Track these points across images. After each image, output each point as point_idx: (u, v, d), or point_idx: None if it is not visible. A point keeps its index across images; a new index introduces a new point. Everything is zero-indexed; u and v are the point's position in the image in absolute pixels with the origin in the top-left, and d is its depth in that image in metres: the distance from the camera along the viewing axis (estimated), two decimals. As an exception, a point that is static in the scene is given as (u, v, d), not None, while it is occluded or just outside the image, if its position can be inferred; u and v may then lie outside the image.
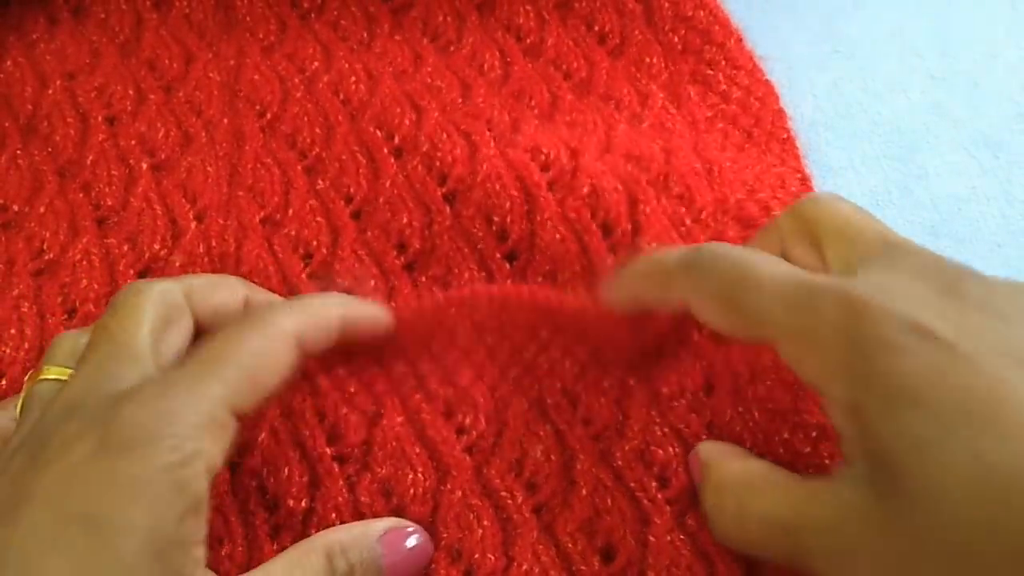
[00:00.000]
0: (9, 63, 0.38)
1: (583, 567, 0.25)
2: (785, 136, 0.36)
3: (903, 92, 0.39)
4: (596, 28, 0.39)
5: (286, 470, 0.26)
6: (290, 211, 0.33)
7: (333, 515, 0.26)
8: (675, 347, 0.28)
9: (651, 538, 0.25)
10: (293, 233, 0.32)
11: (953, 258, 0.22)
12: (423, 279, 0.31)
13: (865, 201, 0.34)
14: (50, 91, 0.37)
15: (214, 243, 0.32)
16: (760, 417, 0.27)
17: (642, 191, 0.31)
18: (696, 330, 0.29)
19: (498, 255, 0.31)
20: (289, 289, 0.31)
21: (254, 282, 0.31)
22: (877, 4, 0.42)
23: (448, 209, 0.32)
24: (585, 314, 0.28)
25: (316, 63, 0.38)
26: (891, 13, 0.42)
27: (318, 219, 0.33)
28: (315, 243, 0.32)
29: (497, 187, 0.31)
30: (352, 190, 0.33)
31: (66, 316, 0.31)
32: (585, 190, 0.31)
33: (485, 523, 0.25)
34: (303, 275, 0.31)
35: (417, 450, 0.27)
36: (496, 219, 0.31)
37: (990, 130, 0.38)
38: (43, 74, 0.38)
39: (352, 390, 0.28)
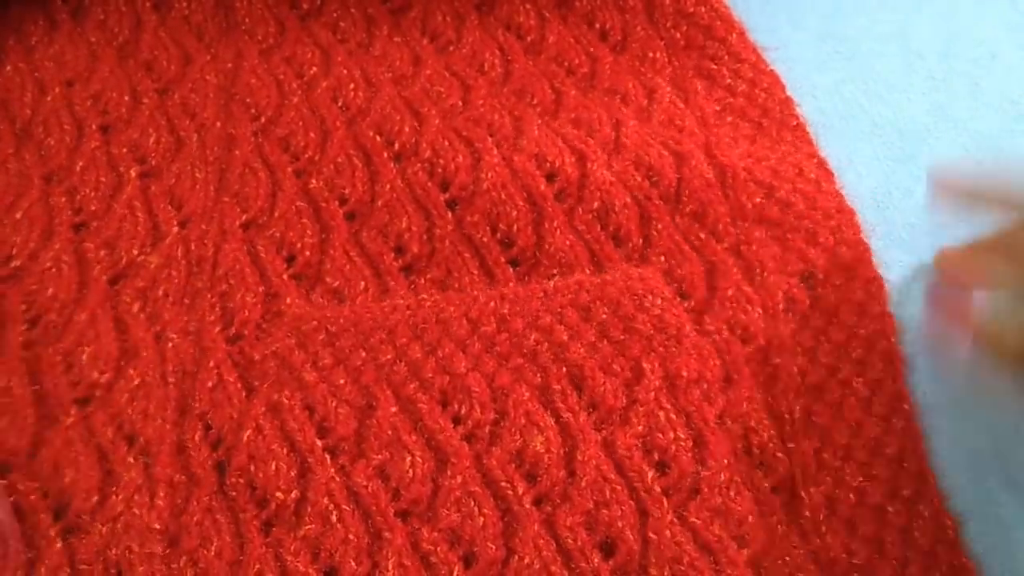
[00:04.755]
0: (9, 68, 0.38)
1: (583, 564, 0.25)
2: (795, 123, 0.36)
3: (904, 93, 0.39)
4: (597, 25, 0.39)
5: (273, 464, 0.26)
6: (276, 213, 0.33)
7: (325, 500, 0.26)
8: (696, 337, 0.29)
9: (651, 534, 0.25)
10: (278, 235, 0.32)
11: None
12: (421, 282, 0.31)
13: (866, 202, 0.34)
14: (48, 98, 0.37)
15: (193, 247, 0.32)
16: (769, 421, 0.27)
17: (655, 208, 0.31)
18: (719, 324, 0.29)
19: (503, 260, 0.31)
20: (268, 289, 0.31)
21: (230, 284, 0.31)
22: (877, 5, 0.42)
23: (450, 215, 0.32)
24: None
25: (315, 68, 0.38)
26: (891, 14, 0.42)
27: (304, 220, 0.32)
28: (300, 244, 0.32)
29: (503, 196, 0.32)
30: (347, 192, 0.33)
31: (27, 326, 0.30)
32: (596, 204, 0.31)
33: (486, 511, 0.25)
34: (285, 276, 0.31)
35: (413, 438, 0.27)
36: (502, 227, 0.31)
37: (991, 131, 0.38)
38: (42, 80, 0.38)
39: (340, 381, 0.28)
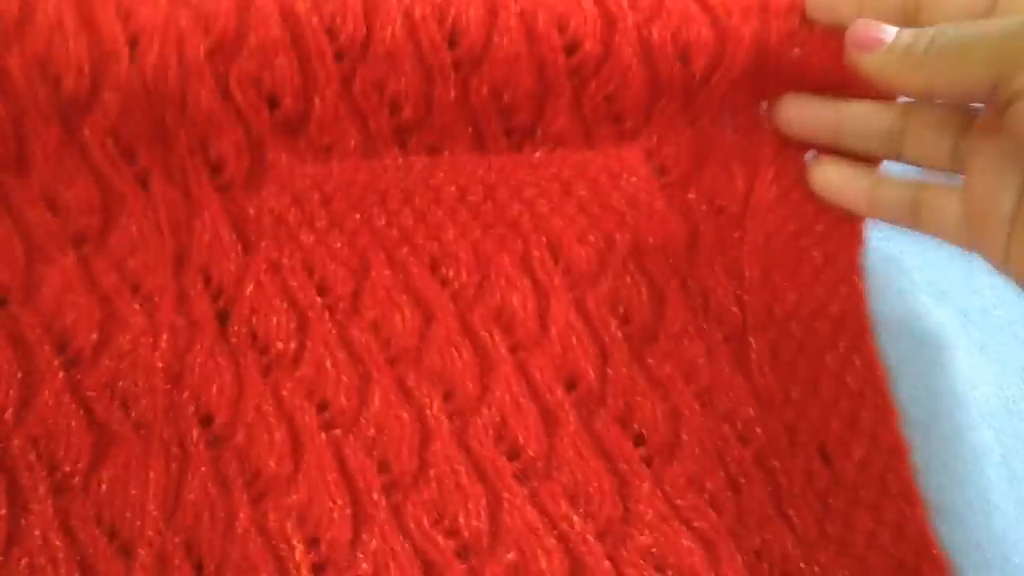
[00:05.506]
0: None
1: (548, 395, 0.28)
2: None
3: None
4: None
5: (274, 319, 0.29)
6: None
7: (322, 349, 0.28)
8: (665, 211, 0.31)
9: (609, 371, 0.29)
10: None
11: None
12: (413, 142, 0.30)
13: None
14: None
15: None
16: (727, 280, 0.30)
17: (671, 92, 0.30)
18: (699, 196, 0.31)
19: (498, 131, 0.30)
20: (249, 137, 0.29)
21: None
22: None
23: (454, 76, 0.29)
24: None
25: None
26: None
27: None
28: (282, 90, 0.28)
29: (514, 68, 0.28)
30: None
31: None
32: (611, 88, 0.29)
33: (465, 356, 0.29)
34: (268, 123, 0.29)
35: (404, 297, 0.29)
36: (506, 98, 0.29)
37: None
38: None
39: (337, 245, 0.30)
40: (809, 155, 0.31)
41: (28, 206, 0.29)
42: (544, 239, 0.30)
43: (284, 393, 0.28)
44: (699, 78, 0.29)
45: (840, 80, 0.30)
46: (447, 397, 0.28)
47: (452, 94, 0.29)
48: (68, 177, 0.28)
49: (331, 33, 0.28)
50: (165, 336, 0.28)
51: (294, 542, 0.26)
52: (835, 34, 0.28)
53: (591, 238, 0.30)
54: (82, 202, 0.29)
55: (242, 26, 0.27)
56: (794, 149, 0.31)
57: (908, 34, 0.25)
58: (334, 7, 0.28)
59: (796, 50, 0.29)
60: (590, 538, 0.26)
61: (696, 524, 0.27)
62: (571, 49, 0.28)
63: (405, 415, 0.28)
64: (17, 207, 0.29)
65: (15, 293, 0.28)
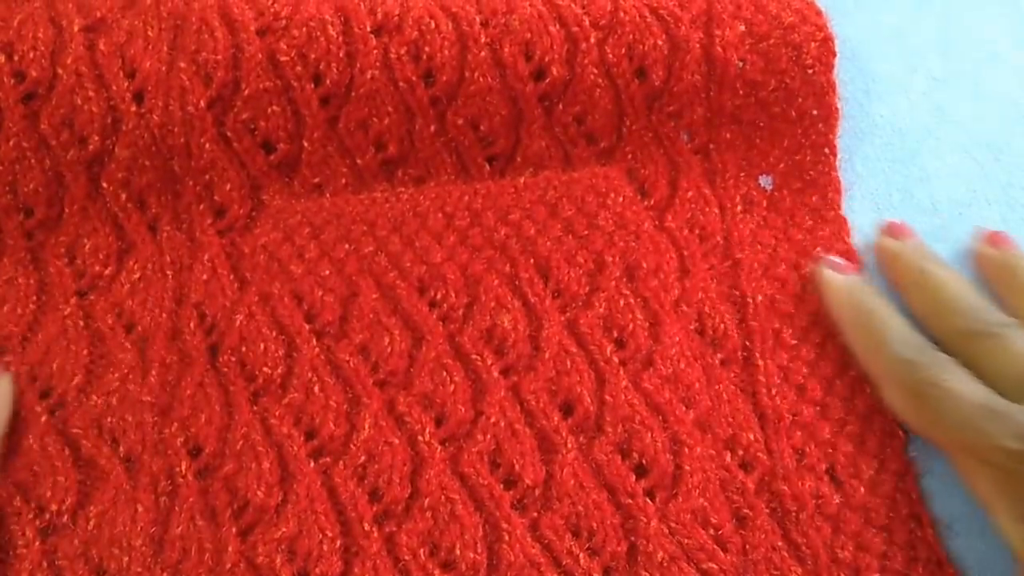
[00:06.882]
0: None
1: (544, 421, 0.27)
2: None
3: (904, 94, 0.39)
4: None
5: (262, 345, 0.28)
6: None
7: (310, 373, 0.28)
8: (655, 232, 0.31)
9: (607, 397, 0.28)
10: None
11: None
12: (399, 174, 0.31)
13: (866, 204, 0.34)
14: None
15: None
16: (725, 306, 0.30)
17: (634, 105, 0.31)
18: (679, 223, 0.31)
19: (480, 159, 0.32)
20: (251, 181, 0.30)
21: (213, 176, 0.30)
22: (877, 4, 0.42)
23: (432, 112, 0.30)
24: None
25: None
26: (891, 14, 0.41)
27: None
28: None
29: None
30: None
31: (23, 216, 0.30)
32: (577, 108, 0.31)
33: (456, 379, 0.28)
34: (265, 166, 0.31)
35: (392, 320, 0.29)
36: (483, 128, 0.31)
37: (991, 132, 0.37)
38: None
39: (326, 272, 0.29)
40: (765, 180, 0.33)
41: (54, 259, 0.30)
42: (532, 261, 0.30)
43: (272, 421, 0.27)
44: (656, 90, 0.31)
45: (784, 98, 0.32)
46: (439, 422, 0.28)
47: (432, 128, 0.31)
48: (91, 229, 0.30)
49: (316, 79, 0.29)
50: (154, 372, 0.28)
51: None
52: (778, 47, 0.31)
53: (580, 259, 0.30)
54: (99, 251, 0.30)
55: (237, 76, 0.29)
56: (749, 176, 0.32)
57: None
58: (318, 54, 0.29)
59: (740, 63, 0.31)
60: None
61: (705, 566, 0.26)
62: (539, 75, 0.30)
63: (396, 440, 0.27)
64: (44, 260, 0.30)
65: (13, 343, 0.29)
